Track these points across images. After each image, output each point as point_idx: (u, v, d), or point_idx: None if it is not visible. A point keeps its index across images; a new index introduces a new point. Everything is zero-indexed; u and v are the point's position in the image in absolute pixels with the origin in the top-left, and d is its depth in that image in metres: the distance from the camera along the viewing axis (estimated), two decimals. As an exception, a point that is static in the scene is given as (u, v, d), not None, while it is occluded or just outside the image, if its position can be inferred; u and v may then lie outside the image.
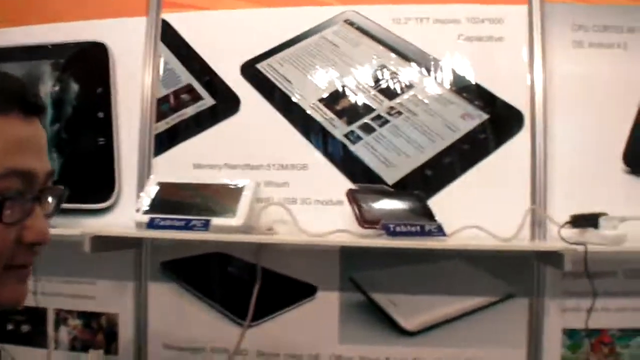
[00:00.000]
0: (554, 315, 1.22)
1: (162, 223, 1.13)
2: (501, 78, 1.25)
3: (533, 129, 1.23)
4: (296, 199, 1.23)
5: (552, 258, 1.05)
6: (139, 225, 1.16)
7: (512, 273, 1.21)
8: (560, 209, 1.20)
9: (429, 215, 1.15)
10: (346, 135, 1.23)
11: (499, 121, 1.23)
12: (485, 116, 1.23)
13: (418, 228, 1.07)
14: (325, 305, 1.23)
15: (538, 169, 1.22)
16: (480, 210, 1.21)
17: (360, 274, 1.23)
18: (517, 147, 1.23)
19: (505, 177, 1.22)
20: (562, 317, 1.22)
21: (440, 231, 1.08)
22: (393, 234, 1.04)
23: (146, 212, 1.16)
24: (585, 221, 1.11)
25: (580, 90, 1.26)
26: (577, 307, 1.21)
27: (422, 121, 1.23)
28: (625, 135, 1.24)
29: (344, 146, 1.22)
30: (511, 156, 1.23)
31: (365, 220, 1.07)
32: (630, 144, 1.23)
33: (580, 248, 1.00)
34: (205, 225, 1.11)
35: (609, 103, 1.25)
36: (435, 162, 1.21)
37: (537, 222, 1.22)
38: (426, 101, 1.24)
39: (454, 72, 1.25)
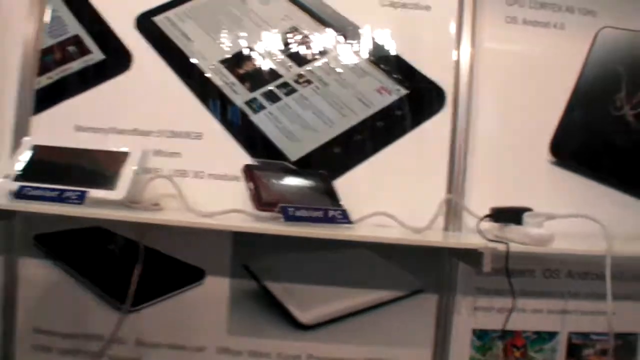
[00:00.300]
0: (464, 313, 1.14)
1: (31, 193, 0.99)
2: (424, 51, 1.15)
3: (455, 109, 1.14)
4: (188, 172, 1.12)
5: (469, 255, 0.95)
6: (8, 193, 1.02)
7: (421, 266, 1.12)
8: (479, 199, 1.12)
9: (334, 198, 1.05)
10: (247, 103, 1.11)
11: (418, 98, 1.13)
12: (403, 91, 1.13)
13: (320, 213, 0.96)
14: (214, 292, 1.13)
15: (458, 153, 1.13)
16: (391, 195, 1.12)
17: (254, 259, 1.12)
18: (436, 128, 1.14)
19: (421, 160, 1.13)
20: (473, 316, 1.13)
21: (345, 218, 0.98)
22: (292, 218, 0.93)
23: (16, 179, 1.02)
24: (507, 216, 1.01)
25: (510, 71, 1.17)
26: (490, 306, 1.14)
27: (334, 93, 1.12)
28: (555, 122, 1.15)
29: (244, 115, 1.11)
30: (429, 138, 1.14)
31: (262, 201, 0.97)
32: (558, 132, 1.14)
33: (501, 247, 0.90)
34: (81, 198, 0.98)
35: (540, 86, 1.17)
36: (344, 139, 1.11)
37: (453, 212, 1.12)
38: (340, 71, 1.13)
39: (373, 40, 1.15)
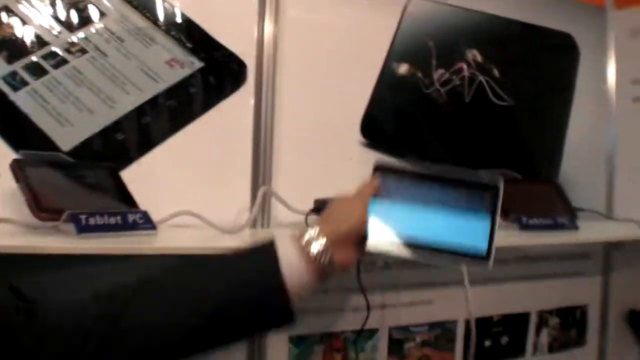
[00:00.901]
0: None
1: None
2: (223, 17, 1.45)
3: (259, 85, 1.46)
4: None
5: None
6: None
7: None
8: (286, 188, 1.46)
9: (127, 198, 1.25)
10: (5, 78, 1.28)
11: (216, 72, 1.44)
12: (198, 64, 1.43)
13: (119, 219, 1.11)
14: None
15: (263, 137, 1.46)
16: (190, 188, 1.39)
17: (27, 280, 1.26)
18: (237, 107, 1.46)
19: (222, 145, 1.43)
20: (289, 321, 1.48)
21: (147, 222, 1.15)
22: (85, 229, 1.05)
23: None
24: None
25: (320, 43, 1.55)
26: (304, 308, 1.48)
27: (114, 65, 1.36)
28: (366, 100, 1.56)
29: (2, 94, 1.27)
30: (230, 119, 1.45)
31: (42, 207, 1.08)
32: (368, 112, 1.56)
33: None
34: None
35: (351, 61, 1.57)
36: (129, 123, 1.35)
37: (265, 204, 1.45)
38: (122, 37, 1.37)
39: (161, 2, 1.41)
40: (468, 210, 1.12)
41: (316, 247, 0.91)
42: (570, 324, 1.92)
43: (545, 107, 1.83)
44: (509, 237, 1.45)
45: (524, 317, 1.82)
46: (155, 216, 1.19)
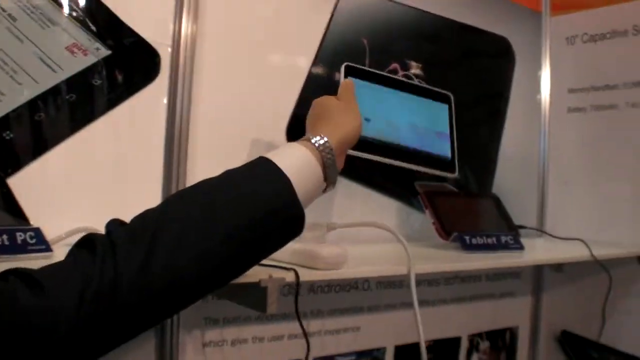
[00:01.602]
0: (191, 353, 1.36)
1: None
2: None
3: (174, 81, 1.34)
4: None
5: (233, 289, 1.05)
6: None
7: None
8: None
9: (15, 212, 1.11)
10: None
11: (124, 62, 1.30)
12: (104, 52, 1.28)
13: (5, 239, 1.00)
14: None
15: (177, 139, 1.33)
16: (94, 199, 1.26)
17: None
18: (148, 104, 1.33)
19: (131, 148, 1.31)
20: (203, 354, 1.38)
21: (40, 242, 1.04)
22: None
23: None
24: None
25: (245, 35, 1.45)
26: (221, 339, 1.40)
27: (4, 49, 1.20)
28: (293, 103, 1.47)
29: None
30: (140, 117, 1.32)
31: None
32: (295, 116, 1.47)
33: (289, 276, 1.03)
34: None
35: (279, 58, 1.49)
36: (19, 119, 1.21)
37: None
38: (14, 16, 1.21)
39: None
40: (429, 118, 1.38)
41: (320, 142, 0.97)
42: (500, 347, 1.91)
43: (479, 114, 1.81)
44: (452, 260, 1.41)
45: (454, 342, 1.77)
46: (49, 234, 1.08)
